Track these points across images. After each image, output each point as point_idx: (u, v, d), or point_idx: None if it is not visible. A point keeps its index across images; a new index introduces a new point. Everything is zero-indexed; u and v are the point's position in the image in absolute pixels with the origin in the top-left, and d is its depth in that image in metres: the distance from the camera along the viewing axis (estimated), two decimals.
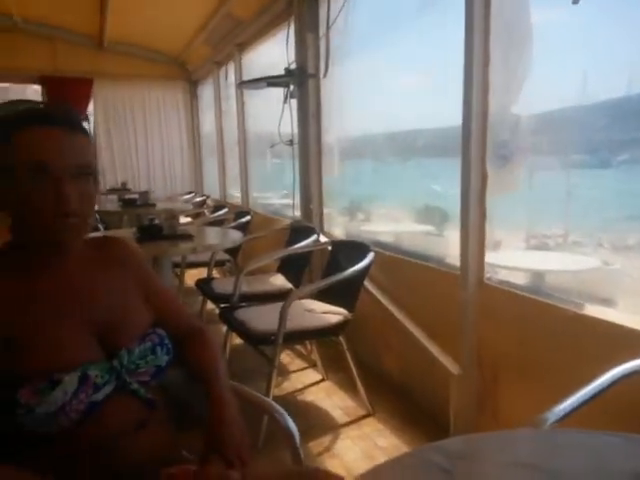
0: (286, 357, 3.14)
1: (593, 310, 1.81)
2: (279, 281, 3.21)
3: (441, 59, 2.73)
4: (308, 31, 3.53)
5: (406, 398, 2.61)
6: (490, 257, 3.82)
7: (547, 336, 1.86)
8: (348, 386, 2.70)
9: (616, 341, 1.62)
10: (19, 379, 0.84)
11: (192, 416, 1.15)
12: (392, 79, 3.36)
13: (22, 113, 0.91)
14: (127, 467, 0.93)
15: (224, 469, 0.88)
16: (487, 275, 2.22)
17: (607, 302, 4.74)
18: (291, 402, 2.62)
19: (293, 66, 3.69)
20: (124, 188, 6.44)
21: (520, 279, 3.70)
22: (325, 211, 3.71)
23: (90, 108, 6.84)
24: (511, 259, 3.94)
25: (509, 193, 3.93)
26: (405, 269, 2.68)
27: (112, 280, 1.03)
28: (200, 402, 1.05)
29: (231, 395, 1.05)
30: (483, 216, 2.20)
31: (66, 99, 6.40)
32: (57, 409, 0.85)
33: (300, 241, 3.17)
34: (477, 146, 2.17)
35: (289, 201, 4.16)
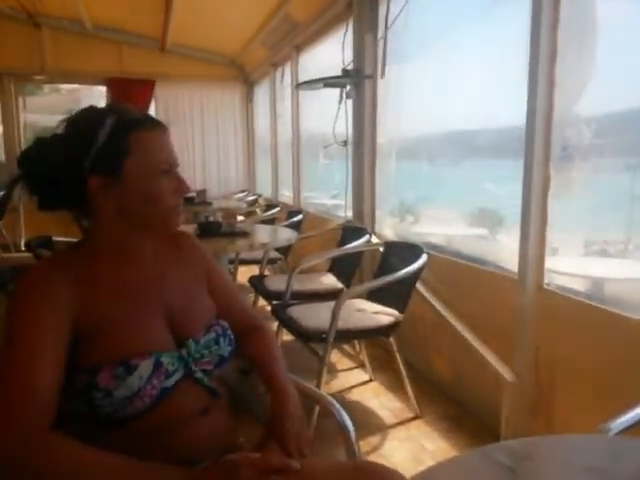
0: (334, 356, 3.17)
1: None
2: (330, 280, 3.24)
3: (505, 55, 2.67)
4: (367, 32, 3.54)
5: (455, 402, 2.57)
6: (548, 262, 3.70)
7: (608, 345, 1.79)
8: (396, 387, 2.69)
9: None
10: (98, 363, 0.90)
11: (242, 406, 1.19)
12: (452, 78, 3.32)
13: (130, 117, 0.97)
14: (191, 451, 0.98)
15: (284, 458, 0.91)
16: (545, 281, 2.16)
17: None
18: (338, 400, 2.62)
19: (350, 67, 3.71)
20: None
21: (579, 286, 3.56)
22: (377, 212, 3.71)
23: (151, 108, 7.12)
24: (570, 265, 3.80)
25: (570, 196, 3.80)
26: (459, 272, 2.64)
27: (183, 272, 1.09)
28: (252, 394, 1.08)
29: (293, 389, 1.08)
30: (545, 220, 2.14)
31: (129, 100, 6.70)
32: (133, 394, 0.89)
33: (351, 241, 3.18)
34: (540, 147, 2.11)
35: (340, 202, 4.18)
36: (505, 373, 2.15)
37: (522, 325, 2.10)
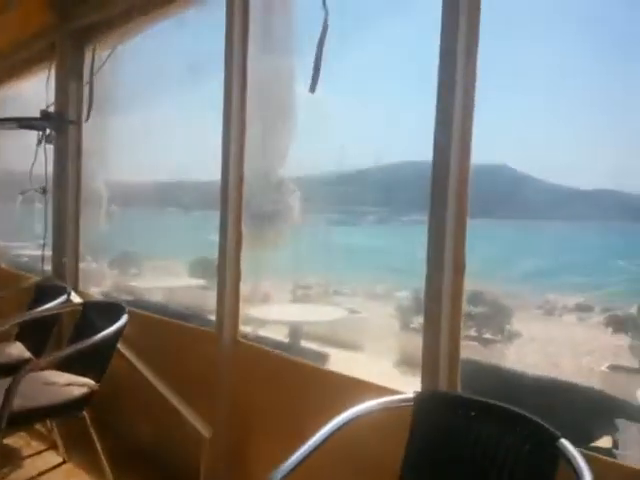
0: (20, 440, 2.67)
1: (344, 356, 1.99)
2: (16, 350, 2.76)
3: (206, 117, 2.82)
4: (71, 78, 3.31)
5: (157, 467, 2.44)
6: (260, 311, 3.95)
7: (292, 391, 1.96)
8: (93, 466, 2.40)
9: (346, 390, 1.79)
10: None
11: None
12: (161, 131, 3.35)
13: None
14: None
15: None
16: (248, 330, 2.27)
17: (357, 347, 5.33)
18: None
19: (52, 109, 3.39)
20: None
21: (284, 331, 3.90)
22: (83, 266, 3.39)
23: None
24: (275, 312, 4.17)
25: (270, 250, 4.16)
26: (162, 329, 2.58)
27: None
28: None
29: None
30: (239, 274, 2.25)
31: None
32: None
33: (46, 302, 2.80)
34: (234, 205, 2.25)
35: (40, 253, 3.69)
36: (203, 429, 2.14)
37: (219, 379, 2.14)
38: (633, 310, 3.76)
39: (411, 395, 1.41)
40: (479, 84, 1.44)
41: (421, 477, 1.34)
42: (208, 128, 2.73)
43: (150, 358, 2.58)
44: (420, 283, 1.53)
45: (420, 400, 1.39)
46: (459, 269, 1.46)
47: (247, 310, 4.05)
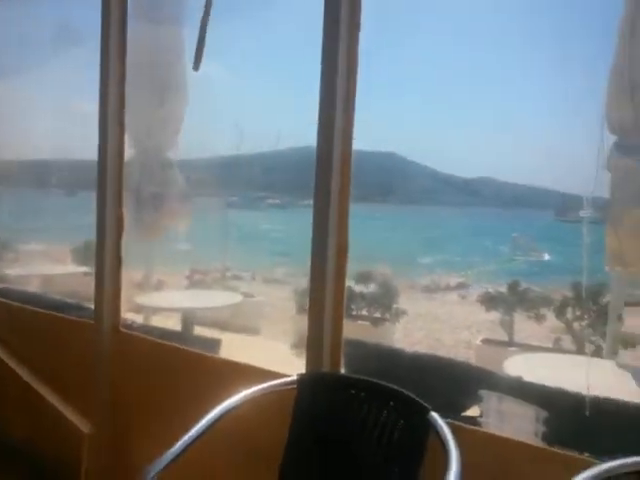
0: None
1: (240, 340, 1.95)
2: None
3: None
4: None
5: (35, 466, 2.25)
6: (153, 299, 3.77)
7: (177, 380, 1.89)
8: None
9: (233, 376, 1.76)
10: None
11: None
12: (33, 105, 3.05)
13: None
14: None
15: None
16: (138, 319, 2.15)
17: (253, 331, 5.33)
18: None
19: None
20: None
21: (176, 318, 3.77)
22: None
23: None
24: (168, 300, 4.02)
25: (162, 235, 3.99)
26: (35, 321, 2.37)
27: None
28: None
29: None
30: (118, 260, 2.12)
31: None
32: None
33: None
34: (112, 186, 2.10)
35: None
36: (82, 425, 2.01)
37: (98, 372, 2.01)
38: (503, 289, 4.14)
39: (294, 377, 1.42)
40: (370, 74, 1.47)
41: (303, 457, 1.36)
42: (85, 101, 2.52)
43: (22, 352, 2.36)
44: None
45: (303, 382, 1.41)
46: (342, 251, 1.49)
47: (139, 298, 3.87)
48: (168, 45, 3.38)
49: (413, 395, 1.26)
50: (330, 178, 1.45)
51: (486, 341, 3.96)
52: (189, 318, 3.35)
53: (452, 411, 1.59)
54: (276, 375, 1.53)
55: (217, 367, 1.79)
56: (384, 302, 4.41)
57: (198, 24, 1.99)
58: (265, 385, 1.42)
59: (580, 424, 1.29)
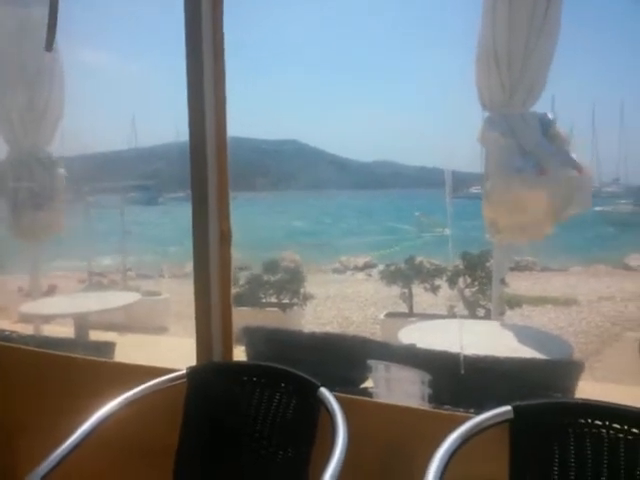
0: None
1: (142, 340, 1.84)
2: None
3: None
4: None
5: None
6: (42, 305, 3.48)
7: (60, 389, 1.76)
8: None
9: (122, 377, 1.67)
10: None
11: None
12: None
13: None
14: None
15: None
16: (29, 329, 1.96)
17: (159, 330, 5.14)
18: None
19: None
20: None
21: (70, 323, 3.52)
22: None
23: None
24: (59, 305, 3.74)
25: (48, 237, 3.69)
26: None
27: None
28: None
29: None
30: None
31: None
32: None
33: None
34: None
35: None
36: None
37: None
38: (402, 264, 4.32)
39: (183, 372, 1.38)
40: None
41: (197, 451, 1.33)
42: None
43: None
44: None
45: (192, 375, 1.37)
46: (225, 240, 1.45)
47: (25, 306, 3.55)
48: (34, 28, 3.09)
49: (303, 374, 1.27)
50: (206, 166, 1.40)
51: (389, 314, 4.12)
52: (83, 323, 3.14)
53: (349, 385, 1.63)
54: (168, 371, 1.48)
55: (107, 371, 1.69)
56: (291, 288, 4.42)
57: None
58: (151, 383, 1.37)
59: (458, 383, 1.37)
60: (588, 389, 1.84)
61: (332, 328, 4.82)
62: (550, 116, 2.19)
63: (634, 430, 1.03)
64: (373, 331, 4.49)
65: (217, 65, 1.40)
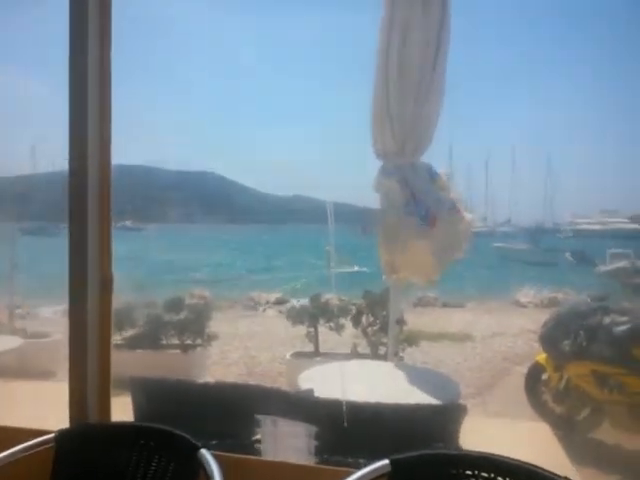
0: None
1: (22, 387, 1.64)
2: None
3: None
4: None
5: None
6: None
7: None
8: None
9: None
10: None
11: None
12: None
13: None
14: None
15: None
16: None
17: (45, 375, 4.73)
18: None
19: None
20: None
21: None
22: None
23: None
24: None
25: None
26: None
27: None
28: None
29: None
30: None
31: None
32: None
33: None
34: None
35: None
36: None
37: None
38: (307, 303, 4.32)
39: (51, 436, 1.26)
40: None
41: None
42: None
43: None
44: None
45: (62, 439, 1.25)
46: (106, 288, 1.37)
47: None
48: None
49: (184, 434, 1.21)
50: (86, 200, 1.32)
51: (295, 354, 4.08)
52: None
53: (240, 439, 1.57)
54: (35, 433, 1.34)
55: None
56: (195, 328, 4.25)
57: None
58: (15, 449, 1.23)
59: (342, 434, 1.37)
60: (478, 426, 1.92)
61: (238, 369, 4.68)
62: (433, 167, 2.35)
63: (499, 479, 1.08)
64: (280, 370, 4.41)
65: (103, 95, 1.35)
